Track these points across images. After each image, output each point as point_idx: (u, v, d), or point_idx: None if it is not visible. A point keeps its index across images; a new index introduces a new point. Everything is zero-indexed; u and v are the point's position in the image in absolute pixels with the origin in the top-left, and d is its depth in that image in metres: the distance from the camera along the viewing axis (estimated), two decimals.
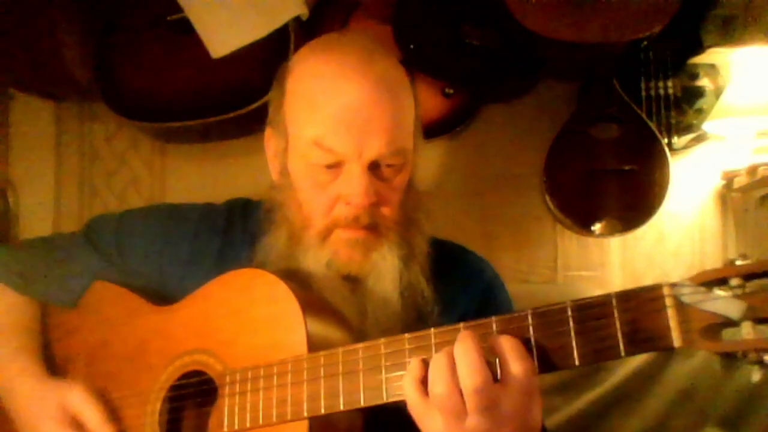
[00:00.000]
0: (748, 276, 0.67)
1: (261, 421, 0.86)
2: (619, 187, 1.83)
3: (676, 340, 0.69)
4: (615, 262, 1.97)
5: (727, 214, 1.95)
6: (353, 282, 0.98)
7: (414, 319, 0.99)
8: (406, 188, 1.00)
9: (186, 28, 1.75)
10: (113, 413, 0.97)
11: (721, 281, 0.68)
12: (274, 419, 0.85)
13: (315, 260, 0.97)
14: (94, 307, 1.09)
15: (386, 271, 0.97)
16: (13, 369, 1.03)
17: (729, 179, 1.90)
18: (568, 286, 1.94)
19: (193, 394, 0.95)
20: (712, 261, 1.96)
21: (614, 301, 0.71)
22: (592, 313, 0.72)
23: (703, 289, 0.68)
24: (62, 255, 1.13)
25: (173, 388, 0.96)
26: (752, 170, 1.79)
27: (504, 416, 0.73)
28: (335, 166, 0.95)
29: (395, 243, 0.98)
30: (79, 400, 0.96)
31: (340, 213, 0.96)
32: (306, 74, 0.98)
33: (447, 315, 1.03)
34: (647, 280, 1.94)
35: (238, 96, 1.75)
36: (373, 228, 0.96)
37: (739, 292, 0.67)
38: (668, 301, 0.69)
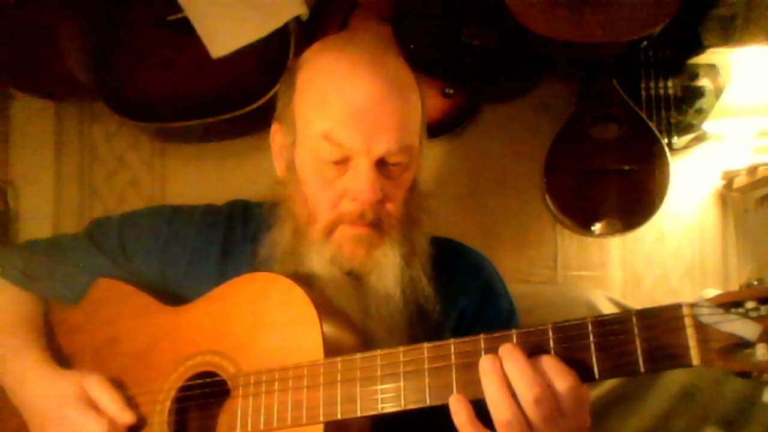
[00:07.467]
0: (764, 299, 0.69)
1: (275, 424, 0.85)
2: (619, 187, 1.83)
3: (695, 359, 0.71)
4: (615, 262, 1.96)
5: (727, 214, 1.96)
6: (356, 279, 0.99)
7: (416, 316, 1.00)
8: (410, 187, 1.02)
9: (186, 28, 1.75)
10: None
11: (737, 303, 0.70)
12: (289, 422, 0.84)
13: (319, 255, 0.98)
14: (100, 304, 1.08)
15: (388, 268, 0.98)
16: (23, 361, 1.02)
17: (729, 179, 1.90)
18: (568, 286, 1.92)
19: (204, 395, 0.94)
20: (712, 261, 1.96)
21: (634, 319, 0.73)
22: (612, 329, 0.73)
23: (720, 310, 0.70)
24: (65, 253, 1.13)
25: (183, 388, 0.95)
26: (752, 170, 1.79)
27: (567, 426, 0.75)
28: (343, 162, 0.96)
29: (397, 241, 0.99)
30: (97, 386, 0.95)
31: (346, 208, 0.97)
32: (318, 70, 0.99)
33: (447, 312, 1.04)
34: (647, 280, 1.95)
35: (238, 96, 1.75)
36: (376, 225, 0.97)
37: (754, 314, 0.69)
38: (688, 321, 0.71)
